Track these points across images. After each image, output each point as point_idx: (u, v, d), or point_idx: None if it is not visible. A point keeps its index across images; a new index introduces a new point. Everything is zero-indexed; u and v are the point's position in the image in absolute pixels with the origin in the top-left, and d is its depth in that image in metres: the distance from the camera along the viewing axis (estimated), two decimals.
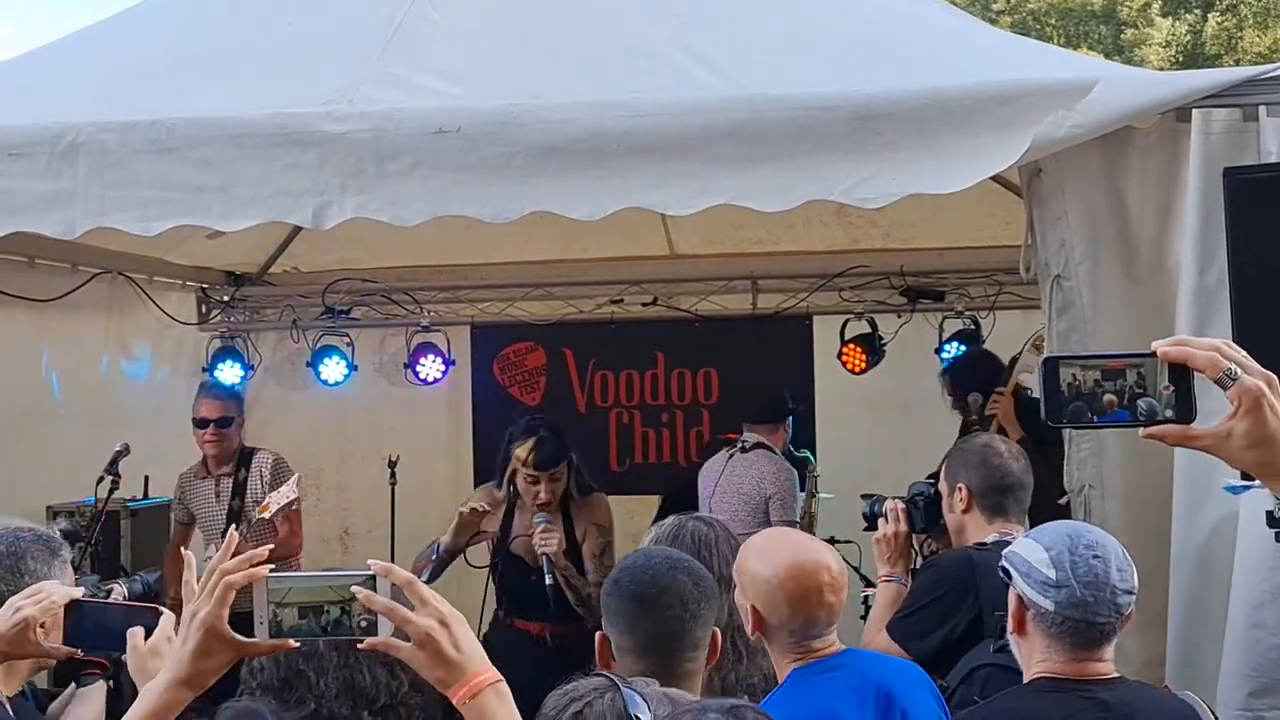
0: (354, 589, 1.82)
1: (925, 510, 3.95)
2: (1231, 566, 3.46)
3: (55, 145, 3.76)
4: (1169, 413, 1.75)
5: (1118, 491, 3.73)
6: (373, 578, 1.83)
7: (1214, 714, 2.76)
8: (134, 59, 4.42)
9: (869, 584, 6.61)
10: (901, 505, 3.96)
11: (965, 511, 3.74)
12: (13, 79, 4.53)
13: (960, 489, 3.73)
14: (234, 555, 1.91)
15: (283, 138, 3.66)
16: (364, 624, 1.83)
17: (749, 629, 2.94)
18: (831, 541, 6.55)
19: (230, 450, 6.15)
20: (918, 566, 4.11)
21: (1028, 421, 5.41)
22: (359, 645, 1.85)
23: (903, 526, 3.92)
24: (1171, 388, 1.75)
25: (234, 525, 6.02)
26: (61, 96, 4.12)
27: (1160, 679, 3.45)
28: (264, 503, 5.75)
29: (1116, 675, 2.67)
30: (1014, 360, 5.79)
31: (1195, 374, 1.73)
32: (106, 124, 3.77)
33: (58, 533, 3.30)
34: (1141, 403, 1.75)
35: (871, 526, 4.11)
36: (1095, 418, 1.78)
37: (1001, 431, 5.73)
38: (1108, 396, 1.76)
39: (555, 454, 5.03)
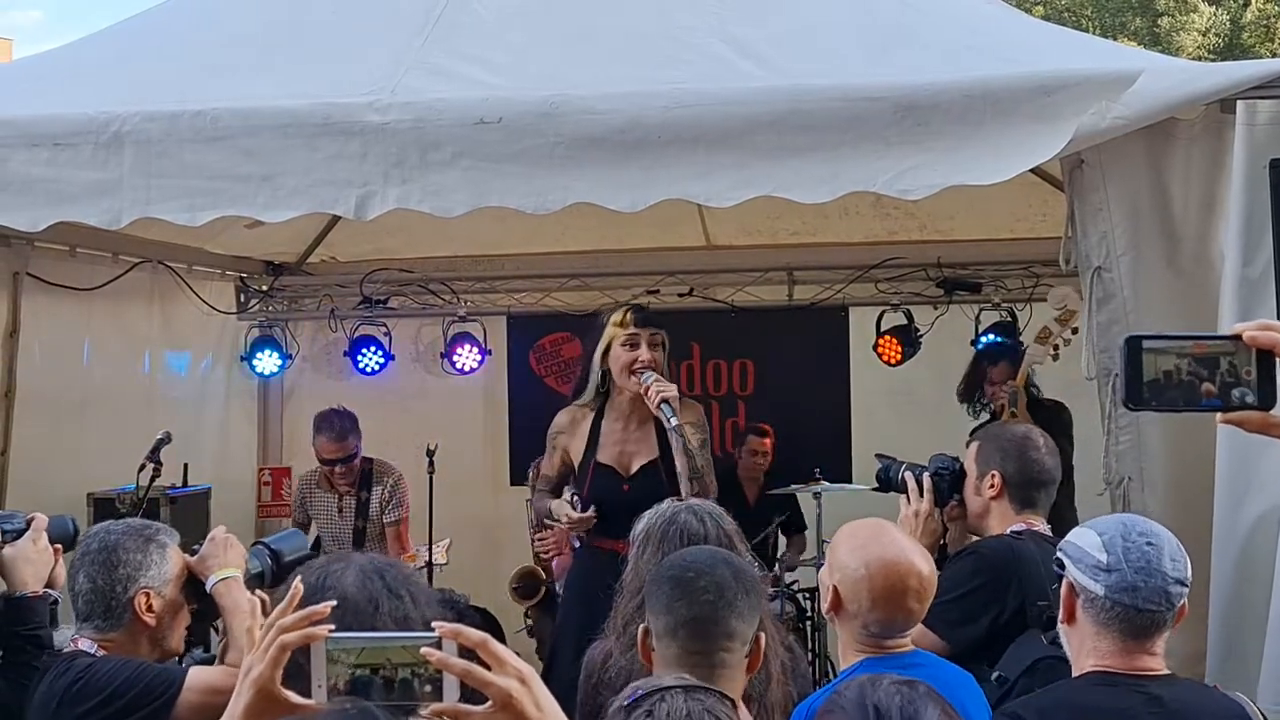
0: (425, 651, 1.72)
1: (949, 486, 3.82)
2: (1273, 561, 3.43)
3: (101, 135, 3.78)
4: (1250, 399, 1.72)
5: (1158, 484, 3.70)
6: (439, 640, 1.74)
7: (1264, 716, 2.73)
8: (178, 49, 4.44)
9: None
10: (928, 479, 3.79)
11: (994, 498, 3.71)
12: (58, 69, 4.57)
13: (993, 475, 3.70)
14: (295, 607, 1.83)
15: (326, 128, 3.67)
16: (429, 688, 1.74)
17: (825, 604, 2.94)
18: None
19: (356, 475, 6.44)
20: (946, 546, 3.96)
21: (1038, 415, 5.36)
22: (424, 714, 1.75)
23: (928, 504, 3.75)
24: (1253, 373, 1.71)
25: (359, 545, 6.19)
26: (107, 86, 4.14)
27: (1201, 674, 3.43)
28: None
29: (1168, 673, 2.65)
30: (1022, 352, 5.77)
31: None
32: (152, 114, 3.78)
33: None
34: (1236, 391, 1.72)
35: (883, 488, 3.98)
36: (1190, 403, 1.74)
37: None
38: (1206, 385, 1.72)
39: (652, 316, 4.86)
